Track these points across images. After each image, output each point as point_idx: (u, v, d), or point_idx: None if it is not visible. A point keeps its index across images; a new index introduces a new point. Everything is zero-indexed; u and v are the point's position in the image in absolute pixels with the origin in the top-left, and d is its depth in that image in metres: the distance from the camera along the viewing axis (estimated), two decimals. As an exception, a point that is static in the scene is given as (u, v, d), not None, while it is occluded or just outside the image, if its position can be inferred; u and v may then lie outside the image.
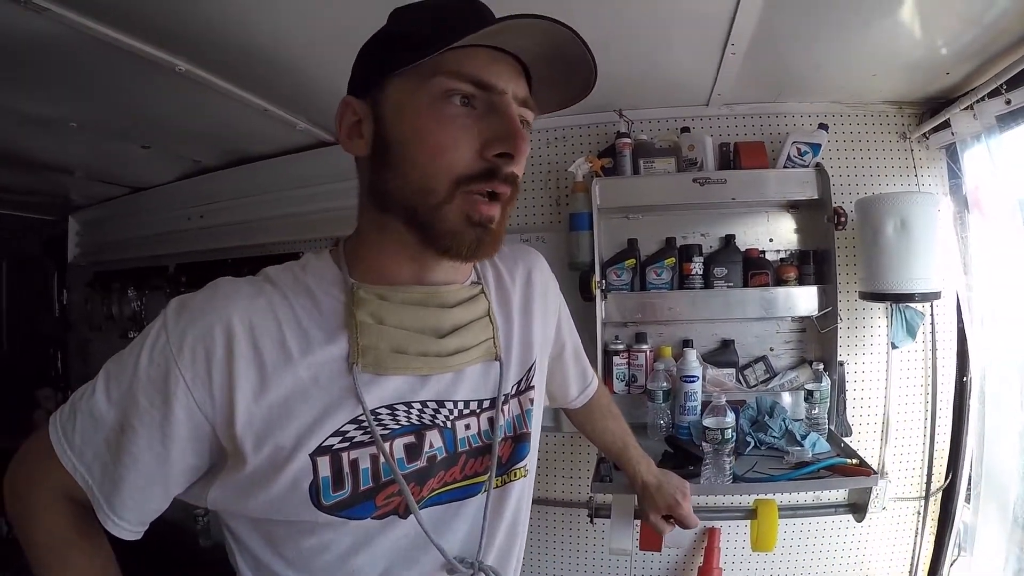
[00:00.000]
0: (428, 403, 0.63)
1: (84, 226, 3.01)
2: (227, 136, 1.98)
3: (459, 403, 0.65)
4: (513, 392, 0.72)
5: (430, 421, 0.63)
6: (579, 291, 1.65)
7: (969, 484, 1.68)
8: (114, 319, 2.70)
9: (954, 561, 1.72)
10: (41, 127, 1.74)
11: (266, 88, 1.53)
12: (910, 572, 1.72)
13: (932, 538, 1.73)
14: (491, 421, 0.68)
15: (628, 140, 1.68)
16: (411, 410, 0.62)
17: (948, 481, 1.70)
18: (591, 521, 1.66)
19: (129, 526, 0.59)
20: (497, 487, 0.69)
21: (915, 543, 1.72)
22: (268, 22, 1.18)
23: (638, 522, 1.23)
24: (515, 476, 0.72)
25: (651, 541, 1.26)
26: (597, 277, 1.63)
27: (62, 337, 3.18)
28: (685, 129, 1.70)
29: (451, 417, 0.65)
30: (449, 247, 0.59)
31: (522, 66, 0.61)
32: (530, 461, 0.75)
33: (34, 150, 2.01)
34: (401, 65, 0.58)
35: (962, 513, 1.69)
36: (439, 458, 0.63)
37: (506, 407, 0.70)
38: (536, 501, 1.81)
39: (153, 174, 2.45)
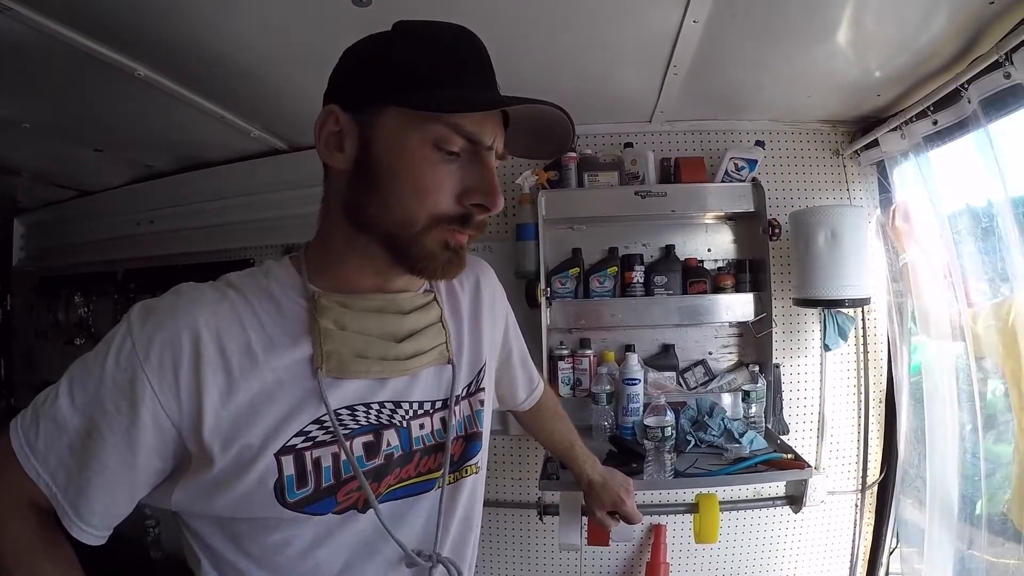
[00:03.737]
0: (386, 404, 0.67)
1: (30, 229, 2.88)
2: (181, 141, 1.95)
3: (414, 404, 0.69)
4: (464, 394, 0.76)
5: (387, 421, 0.67)
6: (525, 299, 1.70)
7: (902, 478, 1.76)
8: (60, 326, 2.58)
9: (892, 551, 1.82)
10: (-8, 127, 1.70)
11: (223, 95, 1.53)
12: (851, 561, 1.82)
13: (871, 529, 1.82)
14: (444, 421, 0.72)
15: (573, 154, 1.73)
16: (370, 411, 0.65)
17: (883, 475, 1.80)
18: (540, 519, 1.70)
19: (95, 531, 0.60)
20: (450, 483, 0.73)
21: (854, 534, 1.81)
22: (231, 32, 1.19)
23: (586, 518, 1.28)
24: (467, 472, 0.76)
25: (598, 536, 1.31)
26: (542, 285, 1.67)
27: (6, 344, 3.06)
28: (628, 144, 1.77)
29: (407, 417, 0.68)
30: (424, 268, 0.63)
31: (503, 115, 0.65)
32: (481, 458, 0.79)
33: (-19, 150, 1.95)
34: (406, 103, 0.59)
35: (898, 505, 1.78)
36: (396, 456, 0.67)
37: (457, 407, 0.74)
38: (486, 503, 1.84)
39: (104, 177, 2.39)
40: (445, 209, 0.61)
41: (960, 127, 1.34)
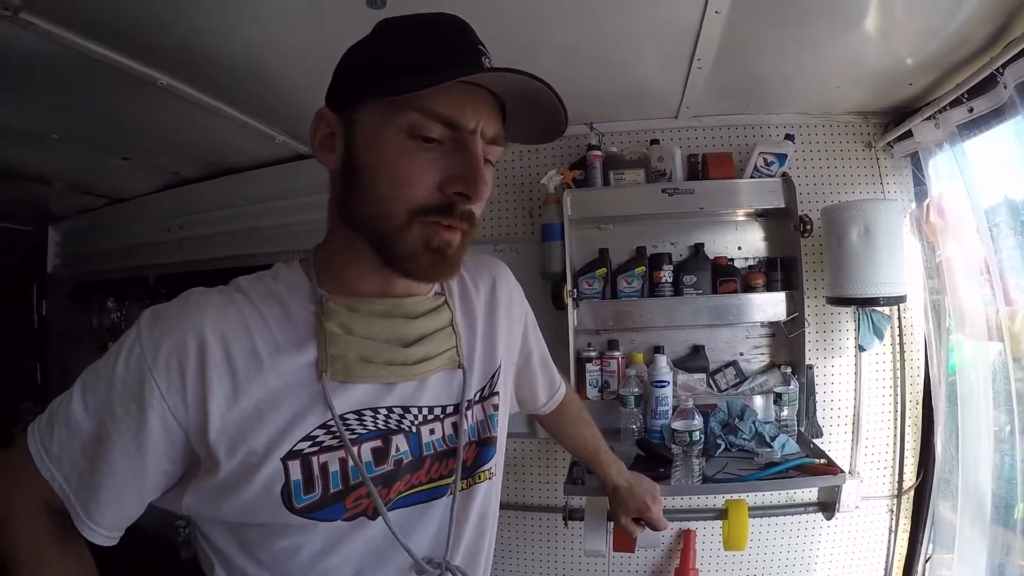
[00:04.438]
0: (394, 409, 0.66)
1: (64, 236, 2.98)
2: (206, 148, 1.99)
3: (423, 409, 0.68)
4: (476, 398, 0.75)
5: (396, 426, 0.66)
6: (552, 300, 1.68)
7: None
8: (94, 331, 2.67)
9: (928, 558, 1.74)
10: (22, 138, 1.74)
11: (245, 101, 1.55)
12: (885, 569, 1.76)
13: (906, 536, 1.76)
14: (455, 426, 0.70)
15: (598, 152, 1.71)
16: (377, 415, 0.65)
17: (919, 480, 1.73)
18: (566, 524, 1.68)
19: (105, 532, 0.61)
20: (462, 489, 0.72)
21: (889, 541, 1.75)
22: (251, 37, 1.20)
23: (612, 523, 1.26)
24: (480, 479, 0.74)
25: (624, 543, 1.29)
26: (569, 286, 1.65)
27: (41, 349, 3.14)
28: (654, 141, 1.74)
29: (416, 422, 0.67)
30: (407, 269, 0.62)
31: (497, 98, 0.62)
32: (496, 464, 0.77)
33: (13, 161, 2.00)
34: (375, 92, 0.58)
35: (935, 511, 1.71)
36: (405, 461, 0.66)
37: (470, 412, 0.73)
38: (512, 506, 1.85)
39: (133, 185, 2.46)
40: (423, 199, 0.59)
41: (997, 114, 1.30)
